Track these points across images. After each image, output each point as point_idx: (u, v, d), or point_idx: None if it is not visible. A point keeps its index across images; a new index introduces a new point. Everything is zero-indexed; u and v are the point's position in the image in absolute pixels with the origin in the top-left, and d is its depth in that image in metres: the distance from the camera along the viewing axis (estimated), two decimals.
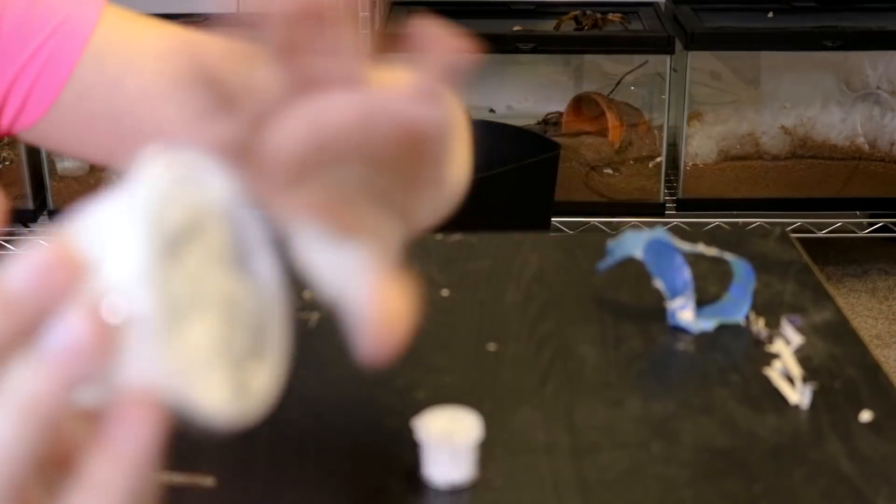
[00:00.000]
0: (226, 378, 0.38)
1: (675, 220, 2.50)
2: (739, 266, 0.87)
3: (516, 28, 2.52)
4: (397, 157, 0.42)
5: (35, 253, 0.37)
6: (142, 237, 0.36)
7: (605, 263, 0.86)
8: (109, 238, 0.36)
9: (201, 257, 0.38)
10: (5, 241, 2.54)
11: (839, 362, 0.81)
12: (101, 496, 0.38)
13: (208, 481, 0.67)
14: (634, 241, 0.84)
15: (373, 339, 0.41)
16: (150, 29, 0.72)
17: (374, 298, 0.41)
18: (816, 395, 0.77)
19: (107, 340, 0.36)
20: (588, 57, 2.67)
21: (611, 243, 0.86)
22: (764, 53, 2.55)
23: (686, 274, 0.84)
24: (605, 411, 0.76)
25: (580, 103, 2.61)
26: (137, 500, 0.38)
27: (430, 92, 0.41)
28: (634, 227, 2.35)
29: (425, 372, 0.80)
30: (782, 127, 2.55)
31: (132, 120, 0.70)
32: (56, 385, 0.36)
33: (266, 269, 0.40)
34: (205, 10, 2.55)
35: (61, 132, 0.71)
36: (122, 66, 0.70)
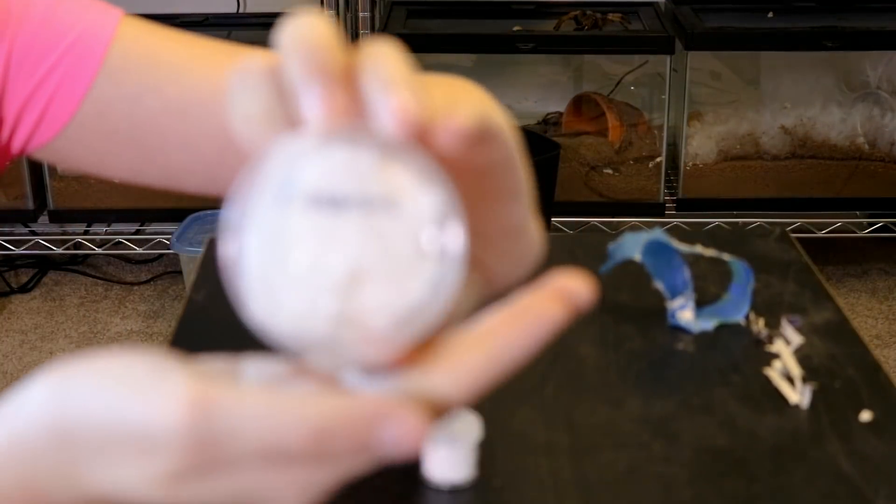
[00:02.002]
0: None
1: (675, 221, 2.50)
2: (738, 266, 0.87)
3: (516, 28, 2.52)
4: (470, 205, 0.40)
5: None
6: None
7: (606, 267, 0.86)
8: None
9: None
10: (5, 241, 2.54)
11: (839, 362, 0.81)
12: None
13: None
14: (633, 243, 0.84)
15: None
16: (170, 41, 0.70)
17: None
18: (816, 395, 0.77)
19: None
20: (588, 57, 2.67)
21: (611, 246, 0.86)
22: (764, 53, 2.55)
23: (685, 274, 0.84)
24: (605, 411, 0.76)
25: (580, 103, 2.61)
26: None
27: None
28: (634, 227, 2.35)
29: None
30: (782, 127, 2.55)
31: (155, 135, 0.68)
32: None
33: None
34: (205, 10, 2.55)
35: (81, 149, 0.70)
36: (142, 80, 0.68)
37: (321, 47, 0.37)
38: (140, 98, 0.68)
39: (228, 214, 0.37)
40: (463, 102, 0.40)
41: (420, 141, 0.38)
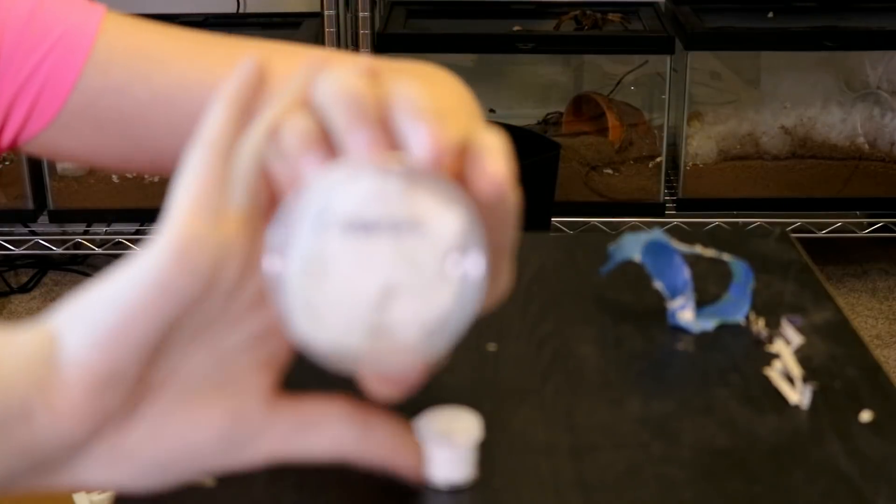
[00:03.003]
0: None
1: (675, 221, 2.50)
2: (738, 266, 0.87)
3: (516, 28, 2.52)
4: None
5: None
6: None
7: (606, 268, 0.86)
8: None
9: None
10: (5, 241, 2.53)
11: (839, 362, 0.81)
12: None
13: (208, 481, 0.67)
14: (632, 243, 0.84)
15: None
16: (154, 33, 0.72)
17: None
18: (816, 395, 0.77)
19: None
20: (588, 57, 2.67)
21: (610, 247, 0.86)
22: (764, 53, 2.55)
23: (685, 273, 0.84)
24: (605, 411, 0.76)
25: (580, 103, 2.61)
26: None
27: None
28: (634, 227, 2.35)
29: None
30: (782, 127, 2.55)
31: (143, 125, 0.70)
32: None
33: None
34: (205, 10, 2.55)
35: (70, 140, 0.71)
36: (129, 72, 0.70)
37: (360, 98, 0.42)
38: (128, 88, 0.69)
39: (270, 237, 0.41)
40: (487, 139, 0.47)
41: (448, 169, 0.42)
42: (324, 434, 0.45)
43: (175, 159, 0.71)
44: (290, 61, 0.71)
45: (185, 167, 0.43)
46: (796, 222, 2.50)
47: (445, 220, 0.40)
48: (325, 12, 2.34)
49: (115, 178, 2.49)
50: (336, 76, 0.43)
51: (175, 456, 0.44)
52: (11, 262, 2.69)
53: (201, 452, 0.44)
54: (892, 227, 2.55)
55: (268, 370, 0.45)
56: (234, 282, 0.42)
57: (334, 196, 0.40)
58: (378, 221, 0.40)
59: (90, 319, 0.41)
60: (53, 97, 0.70)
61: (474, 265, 0.41)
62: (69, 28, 0.69)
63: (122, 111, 0.70)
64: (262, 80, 0.45)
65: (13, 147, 0.72)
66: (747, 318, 0.87)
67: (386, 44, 2.37)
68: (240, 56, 0.71)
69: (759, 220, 2.51)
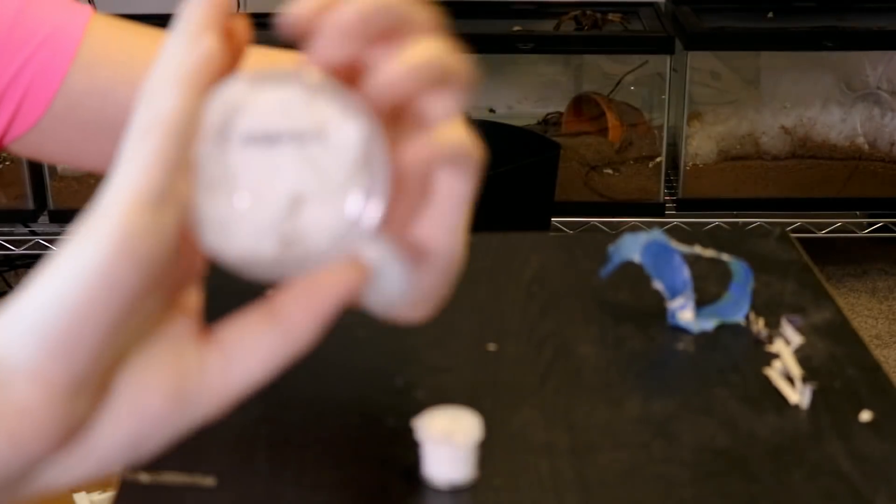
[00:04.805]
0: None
1: (675, 220, 2.50)
2: (738, 266, 0.87)
3: (516, 28, 2.52)
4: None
5: None
6: None
7: (606, 269, 0.87)
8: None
9: None
10: (5, 241, 2.54)
11: (839, 362, 0.81)
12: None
13: (208, 481, 0.67)
14: (632, 244, 0.85)
15: None
16: (140, 37, 0.72)
17: None
18: (816, 395, 0.77)
19: None
20: (588, 57, 2.67)
21: (610, 248, 0.86)
22: (764, 53, 2.55)
23: (685, 273, 0.84)
24: (605, 411, 0.76)
25: (580, 103, 2.61)
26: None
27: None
28: (634, 227, 2.35)
29: (425, 372, 0.80)
30: (782, 127, 2.55)
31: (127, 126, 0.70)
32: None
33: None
34: None
35: (55, 141, 0.71)
36: (114, 74, 0.69)
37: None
38: (112, 90, 0.69)
39: None
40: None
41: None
42: (249, 354, 0.42)
43: None
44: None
45: (127, 146, 0.40)
46: (796, 222, 2.50)
47: (348, 129, 0.41)
48: None
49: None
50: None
51: (139, 432, 0.41)
52: (11, 262, 2.70)
53: (161, 419, 0.41)
54: (892, 227, 2.55)
55: (188, 309, 0.43)
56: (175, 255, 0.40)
57: (236, 109, 0.41)
58: (281, 133, 0.41)
59: (36, 328, 0.38)
60: (39, 99, 0.70)
61: (378, 159, 0.41)
62: (55, 29, 0.69)
63: (106, 113, 0.70)
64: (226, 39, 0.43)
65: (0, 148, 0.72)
66: (747, 318, 0.87)
67: None
68: None
69: (759, 220, 2.51)
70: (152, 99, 0.41)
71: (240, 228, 0.41)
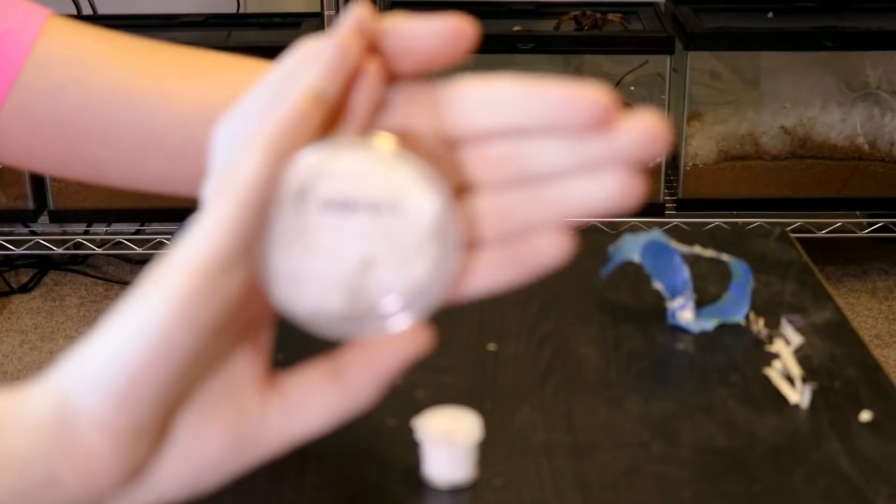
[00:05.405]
0: None
1: (675, 221, 2.50)
2: (737, 266, 0.87)
3: (516, 28, 2.52)
4: None
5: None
6: None
7: (606, 270, 0.87)
8: None
9: None
10: (5, 241, 2.54)
11: (839, 362, 0.81)
12: None
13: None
14: (632, 245, 0.85)
15: None
16: (95, 37, 0.71)
17: None
18: (816, 395, 0.77)
19: None
20: (588, 57, 2.67)
21: (610, 248, 0.86)
22: (764, 53, 2.55)
23: (685, 273, 0.84)
24: (605, 411, 0.76)
25: None
26: None
27: None
28: (634, 227, 2.35)
29: (425, 372, 0.80)
30: (782, 127, 2.55)
31: (78, 129, 0.69)
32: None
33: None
34: (205, 10, 2.55)
35: (7, 143, 0.71)
36: (66, 72, 0.69)
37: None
38: (63, 90, 0.69)
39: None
40: None
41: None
42: (310, 409, 0.44)
43: (107, 167, 0.71)
44: (236, 75, 0.70)
45: (207, 208, 0.40)
46: (796, 222, 2.50)
47: (424, 201, 0.42)
48: (325, 12, 2.34)
49: None
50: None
51: (198, 473, 0.43)
52: (11, 262, 2.70)
53: (219, 463, 0.44)
54: (892, 227, 2.55)
55: (255, 356, 0.44)
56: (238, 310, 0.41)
57: (315, 174, 0.42)
58: (358, 201, 0.42)
59: (98, 378, 0.40)
60: None
61: (452, 231, 0.42)
62: (9, 29, 0.69)
63: (57, 114, 0.69)
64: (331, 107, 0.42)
65: None
66: (747, 318, 0.87)
67: None
68: (182, 64, 0.70)
69: (759, 220, 2.51)
70: (238, 158, 0.41)
71: (309, 284, 0.42)
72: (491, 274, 0.44)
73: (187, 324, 0.39)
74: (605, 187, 0.42)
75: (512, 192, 0.43)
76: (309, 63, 0.43)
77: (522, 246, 0.44)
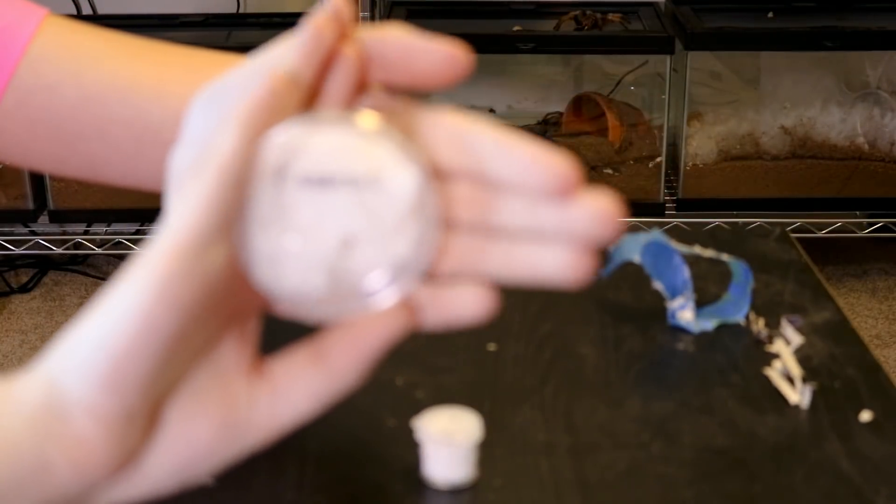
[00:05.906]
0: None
1: (675, 221, 2.50)
2: (737, 266, 0.87)
3: (516, 28, 2.52)
4: None
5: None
6: None
7: (606, 270, 0.87)
8: None
9: None
10: (5, 241, 2.54)
11: (839, 362, 0.81)
12: None
13: (208, 481, 0.67)
14: (632, 245, 0.85)
15: None
16: (91, 34, 0.71)
17: None
18: (816, 395, 0.77)
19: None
20: (588, 57, 2.67)
21: (611, 248, 0.86)
22: (764, 53, 2.55)
23: (685, 273, 0.84)
24: (605, 411, 0.76)
25: (580, 103, 2.61)
26: None
27: None
28: (634, 227, 2.35)
29: (425, 372, 0.80)
30: (782, 127, 2.55)
31: (74, 126, 0.70)
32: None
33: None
34: (205, 10, 2.55)
35: (4, 140, 0.71)
36: (61, 69, 0.69)
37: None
38: (59, 87, 0.69)
39: None
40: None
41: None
42: (296, 394, 0.44)
43: (103, 164, 0.71)
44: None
45: (185, 188, 0.41)
46: (796, 222, 2.50)
47: (403, 177, 0.42)
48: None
49: None
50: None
51: (189, 460, 0.43)
52: (11, 262, 2.70)
53: (209, 449, 0.44)
54: (892, 227, 2.55)
55: (243, 344, 0.44)
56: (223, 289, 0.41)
57: (294, 151, 0.41)
58: (336, 177, 0.42)
59: (85, 366, 0.40)
60: None
61: (430, 206, 0.42)
62: (6, 26, 0.69)
63: (52, 111, 0.69)
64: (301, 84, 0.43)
65: None
66: (747, 318, 0.87)
67: None
68: (178, 62, 0.71)
69: (759, 220, 2.51)
70: (214, 136, 0.41)
71: (290, 265, 0.42)
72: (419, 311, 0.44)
73: (169, 304, 0.39)
74: (555, 259, 0.42)
75: (463, 234, 0.43)
76: (286, 47, 0.43)
77: (449, 293, 0.43)
